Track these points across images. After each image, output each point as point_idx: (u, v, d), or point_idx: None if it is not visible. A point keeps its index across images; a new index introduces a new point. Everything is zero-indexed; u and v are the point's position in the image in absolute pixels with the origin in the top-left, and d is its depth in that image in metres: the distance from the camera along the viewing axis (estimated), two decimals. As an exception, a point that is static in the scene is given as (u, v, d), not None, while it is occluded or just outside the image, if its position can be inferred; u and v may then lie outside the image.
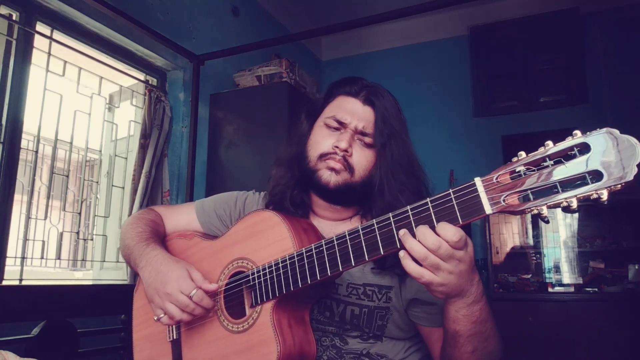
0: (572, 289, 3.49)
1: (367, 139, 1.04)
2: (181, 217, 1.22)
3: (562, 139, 0.65)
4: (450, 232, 0.70)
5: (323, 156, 1.04)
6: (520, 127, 3.96)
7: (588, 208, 3.62)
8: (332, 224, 1.10)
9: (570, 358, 3.18)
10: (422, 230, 0.72)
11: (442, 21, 4.33)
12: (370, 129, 1.05)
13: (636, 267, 3.26)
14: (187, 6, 3.00)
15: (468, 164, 4.03)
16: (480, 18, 4.25)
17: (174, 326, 1.07)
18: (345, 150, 1.02)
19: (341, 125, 1.05)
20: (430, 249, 0.71)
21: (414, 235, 0.73)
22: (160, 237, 1.16)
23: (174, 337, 1.06)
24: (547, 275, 3.66)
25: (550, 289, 3.50)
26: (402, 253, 0.75)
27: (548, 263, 3.70)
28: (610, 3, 3.82)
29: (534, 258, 3.77)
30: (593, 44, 3.90)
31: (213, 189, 2.93)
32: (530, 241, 3.82)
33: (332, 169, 1.02)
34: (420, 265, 0.74)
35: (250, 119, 2.97)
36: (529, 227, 3.84)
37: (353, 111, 1.06)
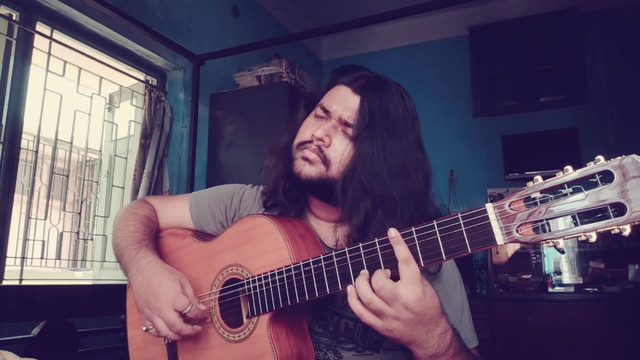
0: (572, 289, 3.49)
1: (350, 130, 0.94)
2: (175, 213, 1.17)
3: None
4: (402, 255, 0.70)
5: (301, 145, 0.97)
6: (520, 127, 3.97)
7: (588, 208, 3.62)
8: (330, 226, 1.03)
9: (570, 358, 3.18)
10: (375, 273, 0.71)
11: (442, 21, 4.33)
12: (354, 120, 0.94)
13: (636, 267, 3.26)
14: (187, 6, 3.00)
15: (468, 164, 4.04)
16: (480, 18, 4.25)
17: None
18: (321, 140, 0.94)
19: (326, 113, 0.98)
20: (373, 287, 0.70)
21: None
22: (153, 234, 1.11)
23: (169, 341, 1.05)
24: (547, 275, 3.67)
25: (550, 289, 3.50)
26: (349, 288, 0.74)
27: (548, 263, 3.70)
28: (610, 3, 3.82)
29: (534, 258, 3.77)
30: (593, 44, 3.90)
31: (213, 189, 2.93)
32: (530, 241, 3.82)
33: (305, 159, 0.95)
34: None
35: (250, 119, 2.98)
36: (529, 227, 3.84)
37: (340, 100, 0.97)
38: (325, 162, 0.94)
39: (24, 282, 2.14)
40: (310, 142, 0.95)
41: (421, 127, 1.05)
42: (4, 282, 2.00)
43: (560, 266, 3.68)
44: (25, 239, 2.16)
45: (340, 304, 0.96)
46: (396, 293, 0.69)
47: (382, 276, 0.70)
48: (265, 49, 3.28)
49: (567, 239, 0.60)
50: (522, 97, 4.03)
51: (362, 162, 0.90)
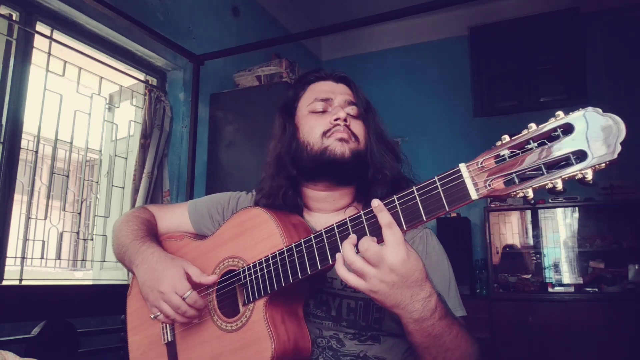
0: (572, 289, 3.49)
1: (354, 110, 1.06)
2: (174, 218, 1.22)
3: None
4: (385, 220, 0.72)
5: (326, 133, 1.02)
6: (521, 127, 3.89)
7: (588, 208, 3.63)
8: (328, 216, 1.07)
9: (570, 358, 3.18)
10: (361, 239, 0.74)
11: (442, 21, 4.33)
12: (354, 100, 1.08)
13: (636, 267, 3.26)
14: (187, 6, 3.00)
15: (468, 164, 4.03)
16: (480, 18, 4.25)
17: (168, 328, 1.07)
18: (345, 120, 1.02)
19: (326, 102, 1.06)
20: (359, 249, 0.73)
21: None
22: (154, 236, 1.15)
23: (169, 340, 1.05)
24: (547, 275, 3.67)
25: (550, 289, 3.50)
26: (337, 256, 0.76)
27: (548, 263, 3.71)
28: (610, 3, 3.82)
29: (534, 258, 3.77)
30: (593, 44, 3.90)
31: (213, 189, 2.93)
32: (530, 241, 3.82)
33: (341, 140, 1.00)
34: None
35: (250, 119, 2.97)
36: (529, 227, 3.84)
37: (332, 89, 1.09)
38: (356, 138, 1.03)
39: (24, 282, 2.14)
40: (336, 125, 1.02)
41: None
42: (4, 282, 2.00)
43: (560, 266, 3.68)
44: (25, 239, 2.16)
45: (340, 285, 1.00)
46: (381, 255, 0.71)
47: (367, 239, 0.73)
48: (265, 49, 3.28)
49: (535, 188, 0.63)
50: (522, 97, 4.03)
51: (375, 131, 1.06)
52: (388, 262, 0.71)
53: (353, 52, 4.78)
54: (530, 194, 0.64)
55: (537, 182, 0.63)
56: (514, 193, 0.65)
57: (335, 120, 1.02)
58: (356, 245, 0.75)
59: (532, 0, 4.07)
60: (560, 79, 3.93)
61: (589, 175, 0.60)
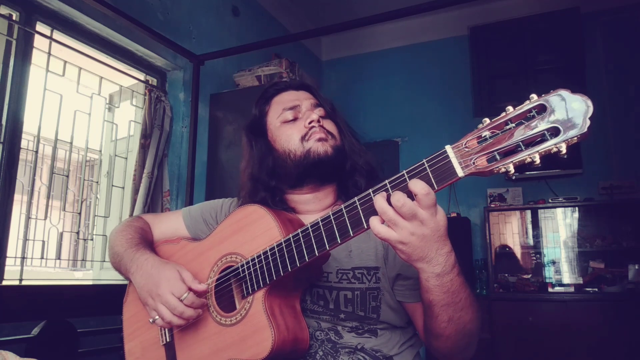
0: (572, 289, 3.49)
1: (322, 111, 1.10)
2: (169, 224, 1.24)
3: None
4: (419, 186, 0.72)
5: (304, 137, 1.06)
6: (520, 127, 3.96)
7: (588, 208, 3.63)
8: (317, 216, 1.09)
9: (570, 358, 3.18)
10: (394, 192, 0.76)
11: (442, 21, 4.34)
12: (318, 102, 1.12)
13: (636, 267, 3.26)
14: (187, 6, 3.00)
15: (468, 164, 4.03)
16: (480, 18, 4.25)
17: (166, 329, 1.06)
18: (318, 121, 1.06)
19: (294, 110, 1.09)
20: (394, 205, 0.74)
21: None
22: (148, 243, 1.17)
23: (167, 340, 1.05)
24: (547, 275, 3.67)
25: (550, 289, 3.50)
26: (371, 219, 0.78)
27: (548, 263, 3.71)
28: (610, 3, 3.82)
29: (534, 258, 3.77)
30: (593, 44, 3.90)
31: (213, 189, 2.93)
32: (530, 241, 3.82)
33: (320, 139, 1.04)
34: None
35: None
36: (529, 227, 3.84)
37: (295, 97, 1.13)
38: (332, 136, 1.07)
39: (24, 282, 2.14)
40: (311, 128, 1.06)
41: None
42: (4, 282, 2.00)
43: (560, 266, 3.68)
44: (25, 239, 2.16)
45: (336, 278, 1.02)
46: (415, 209, 0.74)
47: (401, 194, 0.74)
48: (265, 49, 3.28)
49: (516, 163, 0.68)
50: (522, 97, 3.97)
51: (346, 127, 1.12)
52: (420, 216, 0.73)
53: (353, 52, 4.78)
54: (512, 169, 0.69)
55: (517, 157, 0.68)
56: (497, 169, 0.70)
57: (310, 123, 1.06)
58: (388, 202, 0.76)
59: (532, 0, 4.07)
60: (560, 78, 3.93)
61: (563, 149, 0.65)
